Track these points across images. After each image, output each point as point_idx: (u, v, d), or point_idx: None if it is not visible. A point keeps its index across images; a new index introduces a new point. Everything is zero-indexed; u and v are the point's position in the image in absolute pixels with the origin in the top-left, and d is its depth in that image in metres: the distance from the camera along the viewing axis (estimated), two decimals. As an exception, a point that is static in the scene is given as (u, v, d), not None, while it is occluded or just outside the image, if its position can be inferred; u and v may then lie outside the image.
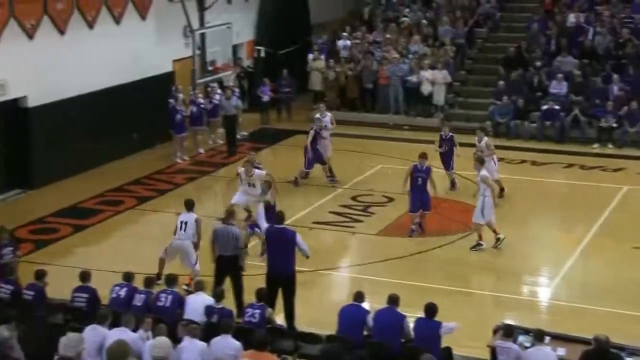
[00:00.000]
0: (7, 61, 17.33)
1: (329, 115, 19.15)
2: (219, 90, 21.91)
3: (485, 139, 17.64)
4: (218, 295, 10.98)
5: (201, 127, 21.38)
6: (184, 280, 13.21)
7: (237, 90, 22.49)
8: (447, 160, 18.04)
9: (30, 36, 17.95)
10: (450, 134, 18.10)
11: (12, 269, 12.23)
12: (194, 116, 20.91)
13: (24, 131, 18.24)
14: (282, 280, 11.98)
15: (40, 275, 11.74)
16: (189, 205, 13.56)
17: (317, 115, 19.00)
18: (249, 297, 11.52)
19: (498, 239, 15.10)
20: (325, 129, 18.83)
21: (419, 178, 15.72)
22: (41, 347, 9.21)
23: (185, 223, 13.33)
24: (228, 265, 12.47)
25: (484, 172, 15.24)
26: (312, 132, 18.66)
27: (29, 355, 8.75)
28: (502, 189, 17.58)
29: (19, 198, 18.11)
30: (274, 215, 13.19)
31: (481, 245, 15.03)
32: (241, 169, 15.82)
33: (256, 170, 15.69)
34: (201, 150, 21.37)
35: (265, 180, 15.10)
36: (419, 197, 15.74)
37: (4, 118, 18.01)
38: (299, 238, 12.15)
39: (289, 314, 11.96)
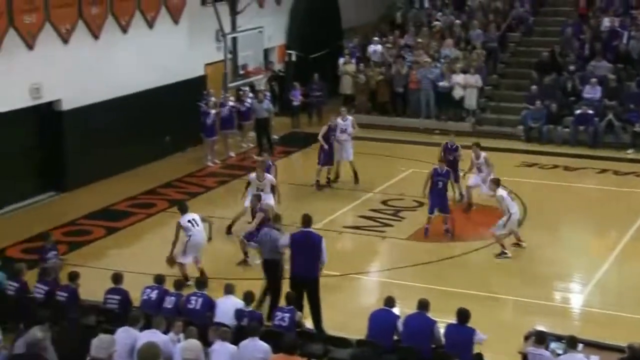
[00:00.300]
0: (42, 65, 17.54)
1: (350, 118, 19.05)
2: (250, 94, 22.00)
3: (483, 154, 17.08)
4: (248, 298, 11.01)
5: (232, 131, 21.49)
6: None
7: (268, 93, 22.58)
8: (452, 171, 17.40)
9: (65, 40, 18.16)
10: (456, 145, 17.64)
11: (55, 270, 12.35)
12: (225, 119, 21.02)
13: (58, 134, 18.45)
14: (307, 283, 11.95)
15: (73, 277, 11.88)
16: (184, 209, 13.93)
17: (338, 119, 18.92)
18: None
19: (504, 253, 14.88)
20: (345, 133, 18.74)
21: (439, 182, 15.89)
22: (74, 349, 9.31)
23: (194, 220, 13.73)
24: (267, 269, 12.51)
25: (500, 192, 14.96)
26: (325, 127, 18.67)
27: (62, 356, 8.83)
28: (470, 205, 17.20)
29: (53, 200, 18.31)
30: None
31: (506, 253, 14.86)
32: (252, 175, 15.81)
33: (267, 175, 15.70)
34: (232, 154, 21.46)
35: (273, 185, 15.36)
36: (438, 201, 15.84)
37: (39, 121, 18.24)
38: (324, 244, 12.15)
39: (316, 318, 11.95)
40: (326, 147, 18.47)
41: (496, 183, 15.22)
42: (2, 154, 17.26)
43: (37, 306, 11.03)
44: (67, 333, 9.62)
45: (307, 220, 12.38)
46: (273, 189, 15.68)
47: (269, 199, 15.50)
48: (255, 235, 13.82)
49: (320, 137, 18.58)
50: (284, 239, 12.24)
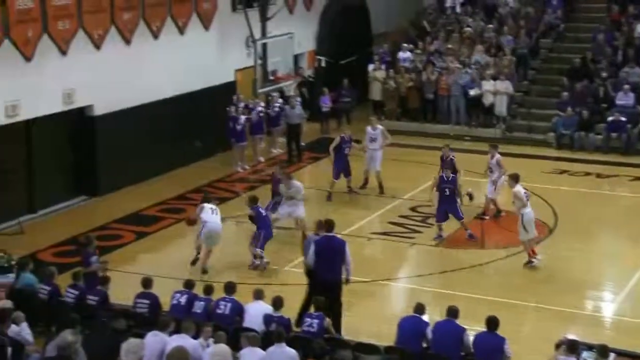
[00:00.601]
0: (74, 71, 17.71)
1: (380, 128, 18.86)
2: (279, 100, 22.07)
3: (497, 157, 16.91)
4: (277, 304, 11.01)
5: (261, 136, 21.54)
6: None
7: (299, 99, 22.63)
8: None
9: (98, 46, 18.33)
10: (451, 157, 17.42)
11: (97, 275, 12.41)
12: (254, 125, 21.09)
13: (90, 139, 18.61)
14: (331, 289, 11.93)
15: (104, 281, 11.97)
16: (208, 199, 15.02)
17: (368, 128, 18.87)
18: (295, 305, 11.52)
19: (531, 262, 14.65)
20: (375, 142, 18.66)
21: (445, 189, 15.85)
22: (104, 353, 9.38)
23: (216, 209, 14.71)
24: (310, 276, 12.45)
25: (516, 187, 14.70)
26: (337, 139, 18.61)
27: (92, 359, 8.92)
28: (499, 211, 16.97)
29: (85, 205, 18.47)
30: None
31: (533, 262, 14.66)
32: (281, 186, 15.82)
33: (294, 183, 15.66)
34: (261, 159, 21.52)
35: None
36: (445, 208, 15.83)
37: (71, 126, 18.42)
38: (348, 248, 12.14)
39: (337, 323, 11.87)
40: (334, 163, 18.34)
41: (515, 179, 14.86)
42: (35, 158, 17.47)
43: (68, 310, 11.11)
44: (98, 337, 9.68)
45: (329, 225, 12.41)
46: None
47: (299, 209, 15.46)
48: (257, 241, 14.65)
49: (331, 149, 18.53)
50: (311, 250, 12.23)
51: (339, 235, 12.71)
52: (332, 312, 11.78)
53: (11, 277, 12.85)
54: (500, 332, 10.04)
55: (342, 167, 18.41)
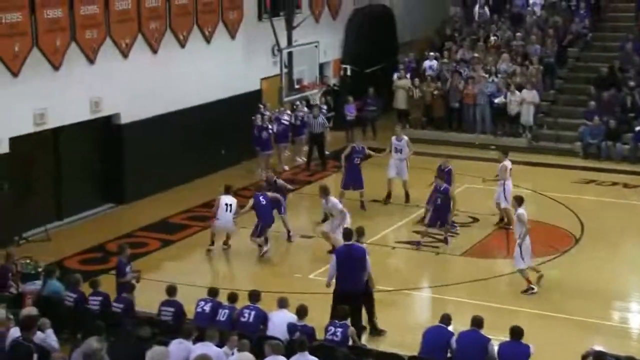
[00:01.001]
0: (102, 79, 17.89)
1: (405, 139, 18.73)
2: (305, 108, 22.11)
3: (503, 163, 16.68)
4: (301, 312, 11.01)
5: (286, 144, 21.60)
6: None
7: (324, 107, 22.67)
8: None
9: (125, 55, 18.50)
10: (449, 167, 17.35)
11: (132, 285, 12.44)
12: (279, 133, 21.15)
13: (117, 147, 18.77)
14: (351, 297, 11.90)
15: (129, 288, 12.04)
16: (229, 189, 15.84)
17: (393, 138, 18.82)
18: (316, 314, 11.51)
19: (531, 288, 13.99)
20: (400, 153, 18.57)
21: (438, 198, 16.06)
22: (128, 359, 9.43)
23: (230, 205, 15.51)
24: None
25: (520, 210, 14.04)
26: (348, 148, 18.56)
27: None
28: (505, 221, 16.66)
29: (112, 212, 18.60)
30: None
31: (533, 289, 14.04)
32: (322, 202, 15.59)
33: (331, 199, 15.44)
34: (286, 168, 21.56)
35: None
36: (437, 215, 16.05)
37: (98, 134, 18.59)
38: (368, 258, 12.12)
39: (357, 332, 11.83)
40: (344, 174, 18.21)
41: (518, 201, 14.21)
42: (63, 166, 17.64)
43: (94, 317, 11.19)
44: (123, 344, 9.73)
45: (348, 234, 12.42)
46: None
47: (335, 228, 14.97)
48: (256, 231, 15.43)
49: (342, 157, 18.49)
50: (332, 263, 12.22)
51: (362, 245, 12.68)
52: (352, 321, 11.65)
53: (38, 284, 12.98)
54: (527, 343, 9.97)
55: (352, 179, 18.15)
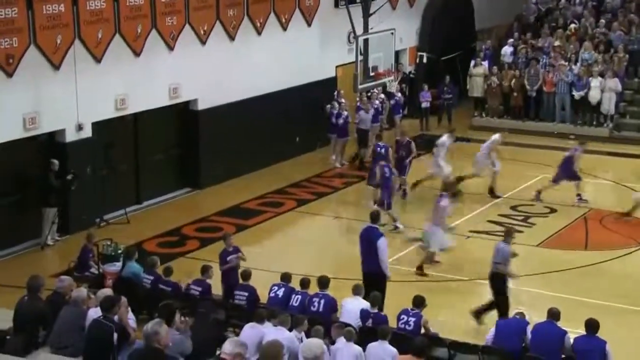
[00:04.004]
0: (180, 65, 18.16)
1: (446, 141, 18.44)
2: (381, 95, 21.99)
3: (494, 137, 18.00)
4: (374, 301, 11.01)
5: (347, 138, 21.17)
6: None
7: (399, 95, 22.46)
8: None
9: (203, 42, 18.74)
10: (407, 139, 18.13)
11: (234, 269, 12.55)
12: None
13: (194, 133, 19.05)
14: (373, 279, 11.94)
15: (204, 270, 12.22)
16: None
17: (443, 138, 18.53)
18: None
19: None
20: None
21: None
22: (207, 342, 9.57)
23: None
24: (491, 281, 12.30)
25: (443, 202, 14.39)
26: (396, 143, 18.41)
27: (194, 348, 9.15)
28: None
29: (188, 197, 18.90)
30: None
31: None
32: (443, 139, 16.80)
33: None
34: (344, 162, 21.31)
35: None
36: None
37: (177, 120, 18.90)
38: (381, 244, 12.05)
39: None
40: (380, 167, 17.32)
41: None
42: (142, 151, 18.00)
43: (169, 299, 11.38)
44: (200, 327, 9.88)
45: (373, 216, 12.51)
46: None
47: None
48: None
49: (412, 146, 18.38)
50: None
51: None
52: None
53: (118, 265, 13.30)
54: (606, 337, 9.78)
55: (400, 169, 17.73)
